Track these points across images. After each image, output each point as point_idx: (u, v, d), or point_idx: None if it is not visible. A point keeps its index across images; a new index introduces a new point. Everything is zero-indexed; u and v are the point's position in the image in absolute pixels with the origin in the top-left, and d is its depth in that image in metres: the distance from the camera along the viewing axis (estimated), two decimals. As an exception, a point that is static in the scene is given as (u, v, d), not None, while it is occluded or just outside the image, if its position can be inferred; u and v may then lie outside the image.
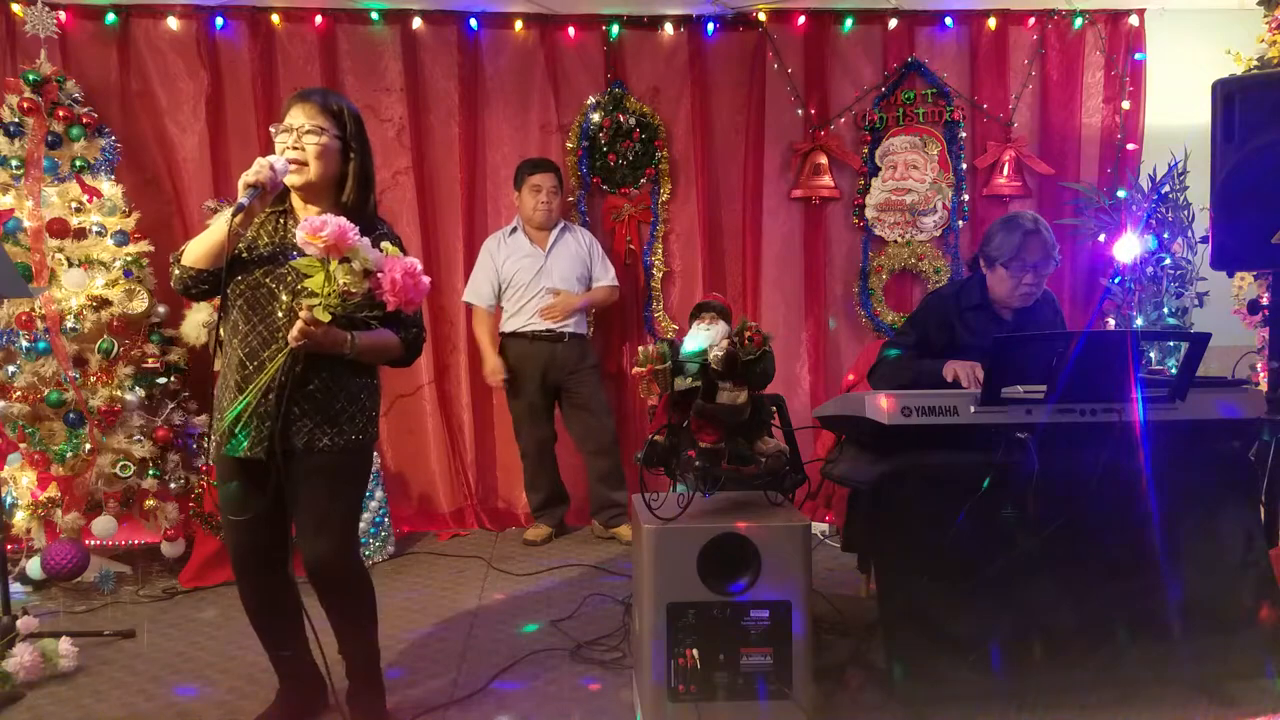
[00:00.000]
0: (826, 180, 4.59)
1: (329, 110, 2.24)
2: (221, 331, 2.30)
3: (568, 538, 4.36)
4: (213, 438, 2.31)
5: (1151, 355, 4.10)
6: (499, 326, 4.26)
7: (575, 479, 4.48)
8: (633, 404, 4.66)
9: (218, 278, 2.19)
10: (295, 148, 2.20)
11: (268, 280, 2.21)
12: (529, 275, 4.15)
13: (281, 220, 2.27)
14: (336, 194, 2.28)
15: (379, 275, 2.06)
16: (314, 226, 1.99)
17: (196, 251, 2.19)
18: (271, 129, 2.25)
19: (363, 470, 2.39)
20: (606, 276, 4.30)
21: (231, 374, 2.24)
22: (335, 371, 2.23)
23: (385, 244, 2.15)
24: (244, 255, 2.23)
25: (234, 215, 2.09)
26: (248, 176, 2.10)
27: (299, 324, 2.08)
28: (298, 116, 2.22)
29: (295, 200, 2.29)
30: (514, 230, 4.25)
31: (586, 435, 4.27)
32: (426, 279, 2.15)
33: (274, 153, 2.22)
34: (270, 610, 2.40)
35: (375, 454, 3.77)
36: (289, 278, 2.18)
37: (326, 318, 2.06)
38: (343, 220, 2.02)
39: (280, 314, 2.19)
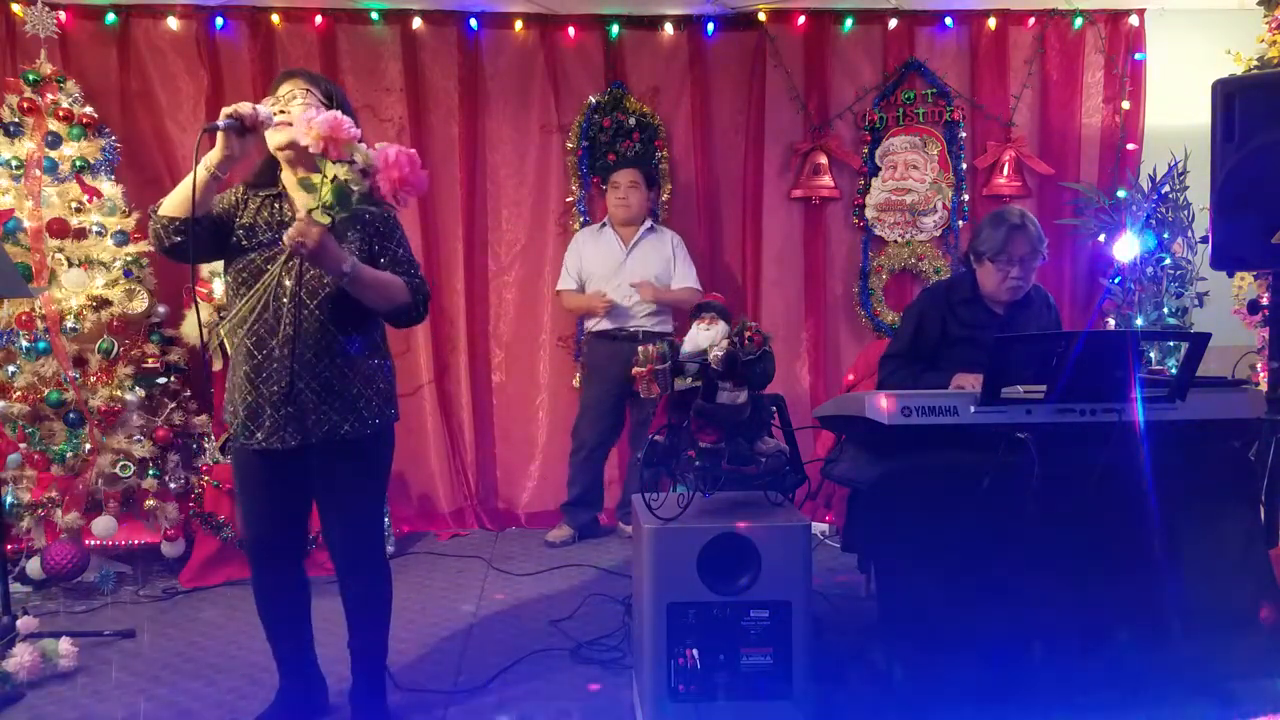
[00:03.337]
0: (826, 180, 4.59)
1: (316, 84, 2.25)
2: (223, 333, 2.30)
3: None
4: (230, 430, 2.30)
5: (1151, 355, 4.10)
6: (587, 326, 4.31)
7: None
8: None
9: (200, 240, 2.13)
10: (283, 111, 2.17)
11: (268, 265, 2.19)
12: (608, 271, 4.18)
13: (277, 204, 2.25)
14: None
15: (376, 170, 2.02)
16: (307, 118, 1.98)
17: (173, 199, 2.13)
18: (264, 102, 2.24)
19: (386, 454, 2.40)
20: (689, 278, 4.26)
21: (241, 364, 2.23)
22: (347, 355, 2.23)
23: (379, 143, 2.12)
24: (242, 242, 2.21)
25: (203, 133, 2.00)
26: (228, 108, 2.04)
27: (294, 226, 2.03)
28: (284, 88, 2.22)
29: (286, 178, 2.25)
30: (603, 226, 4.29)
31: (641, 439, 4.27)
32: (425, 172, 2.11)
33: None
34: (282, 605, 2.41)
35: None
36: (290, 262, 2.17)
37: (325, 220, 2.01)
38: (336, 112, 2.01)
39: (285, 299, 2.18)
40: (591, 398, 4.26)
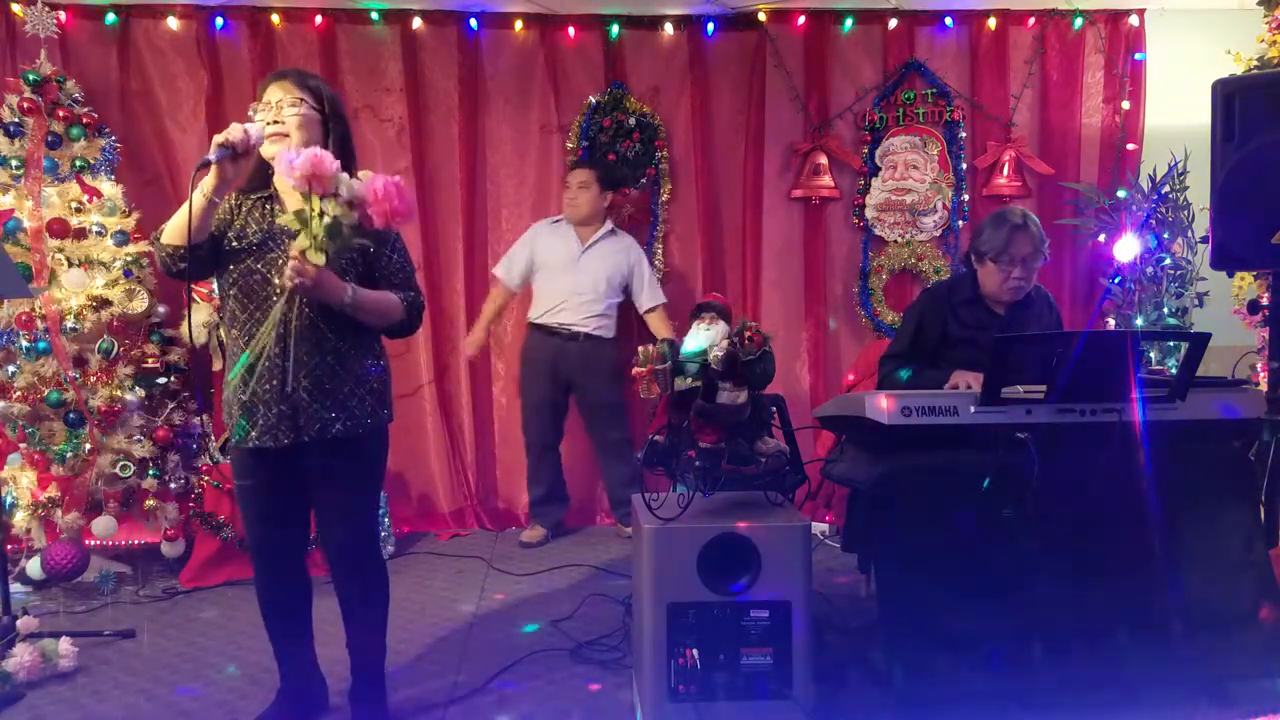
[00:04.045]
0: (826, 180, 4.59)
1: (305, 86, 2.23)
2: (223, 334, 2.31)
3: (567, 539, 4.36)
4: (227, 431, 2.31)
5: (1151, 355, 4.10)
6: (527, 315, 4.27)
7: (580, 480, 4.48)
8: (634, 404, 4.66)
9: (201, 259, 2.17)
10: (276, 121, 2.18)
11: (260, 266, 2.20)
12: (561, 266, 4.16)
13: (268, 206, 2.25)
14: None
15: (364, 200, 2.04)
16: (289, 159, 1.98)
17: (174, 227, 2.16)
18: (251, 110, 2.23)
19: (380, 455, 2.41)
20: (655, 298, 4.25)
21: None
22: (340, 354, 2.24)
23: (361, 172, 2.13)
24: (234, 244, 2.22)
25: (197, 169, 2.04)
26: (219, 136, 2.06)
27: (290, 263, 2.05)
28: (275, 93, 2.20)
29: (279, 182, 2.25)
30: (558, 220, 4.28)
31: (598, 436, 4.29)
32: (412, 196, 2.13)
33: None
34: (284, 603, 2.42)
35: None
36: (280, 262, 2.17)
37: (320, 259, 2.03)
38: (316, 149, 2.01)
39: (276, 298, 2.19)
40: (535, 396, 4.23)
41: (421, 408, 4.54)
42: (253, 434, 2.21)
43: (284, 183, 2.22)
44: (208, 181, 2.07)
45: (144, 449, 3.71)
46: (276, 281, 2.17)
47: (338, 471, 2.28)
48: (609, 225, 4.25)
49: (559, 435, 4.32)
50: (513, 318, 4.61)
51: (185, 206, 2.10)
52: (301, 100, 2.20)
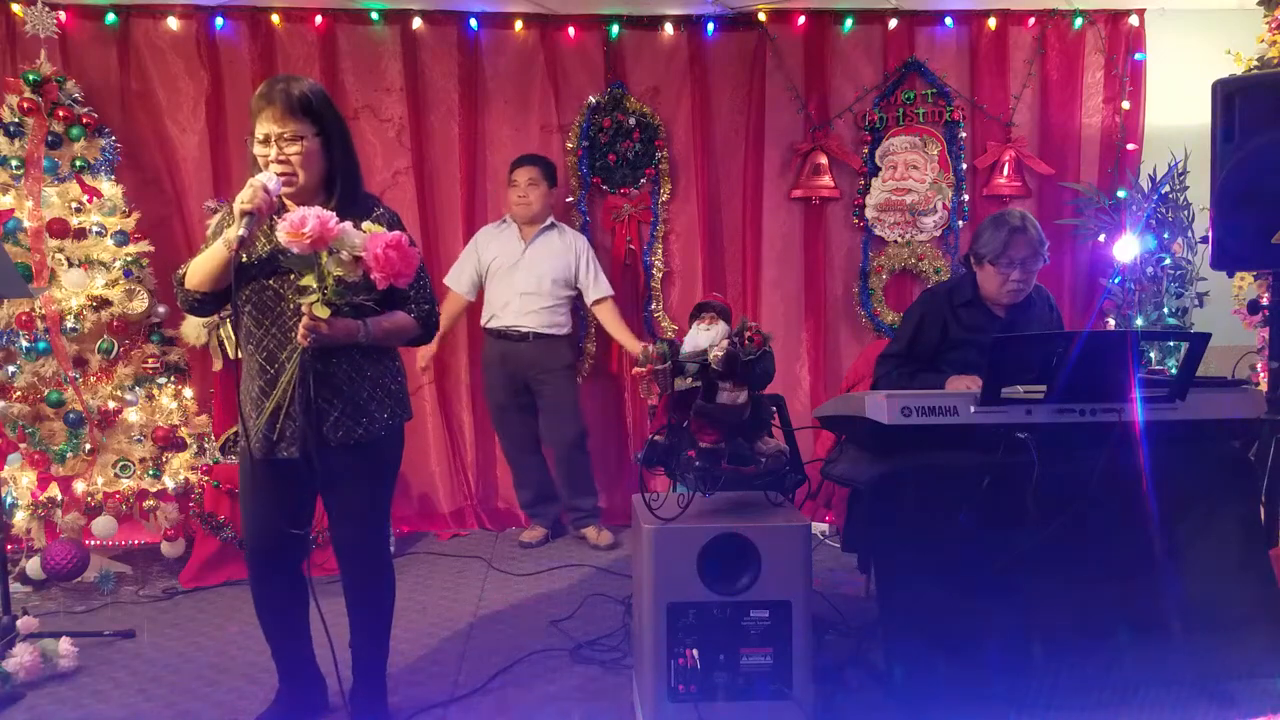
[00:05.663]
0: (826, 180, 4.59)
1: (294, 112, 2.17)
2: (223, 333, 2.31)
3: (567, 539, 4.35)
4: (242, 442, 2.30)
5: (1151, 355, 4.10)
6: (480, 321, 4.27)
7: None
8: (632, 403, 4.66)
9: (220, 297, 2.21)
10: (281, 160, 2.17)
11: (271, 282, 2.22)
12: (505, 267, 4.14)
13: (274, 219, 2.25)
14: (328, 189, 2.26)
15: (367, 265, 2.06)
16: (294, 224, 1.99)
17: (198, 275, 2.20)
18: (247, 142, 2.23)
19: (395, 455, 2.42)
20: (600, 288, 4.19)
21: (253, 381, 2.26)
22: (354, 360, 2.25)
23: (365, 224, 2.14)
24: (244, 260, 2.22)
25: (237, 248, 2.08)
26: (243, 204, 2.07)
27: (303, 323, 2.09)
28: (269, 125, 2.17)
29: (287, 201, 2.27)
30: (504, 222, 4.26)
31: (551, 437, 4.25)
32: (415, 250, 2.14)
33: (254, 163, 2.21)
34: (281, 605, 2.42)
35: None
36: (292, 276, 2.18)
37: (326, 313, 2.08)
38: (319, 211, 2.01)
39: (289, 313, 2.20)
40: (496, 401, 4.23)
41: (421, 408, 4.53)
42: (280, 446, 2.22)
43: (290, 202, 2.25)
44: (230, 231, 2.10)
45: (144, 449, 3.71)
46: (288, 295, 2.19)
47: (354, 474, 2.29)
48: (550, 220, 4.21)
49: (534, 436, 4.29)
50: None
51: (209, 252, 2.17)
52: (300, 136, 2.18)
